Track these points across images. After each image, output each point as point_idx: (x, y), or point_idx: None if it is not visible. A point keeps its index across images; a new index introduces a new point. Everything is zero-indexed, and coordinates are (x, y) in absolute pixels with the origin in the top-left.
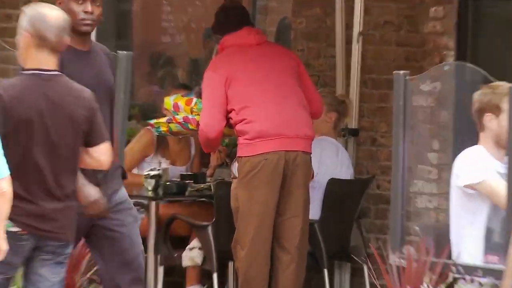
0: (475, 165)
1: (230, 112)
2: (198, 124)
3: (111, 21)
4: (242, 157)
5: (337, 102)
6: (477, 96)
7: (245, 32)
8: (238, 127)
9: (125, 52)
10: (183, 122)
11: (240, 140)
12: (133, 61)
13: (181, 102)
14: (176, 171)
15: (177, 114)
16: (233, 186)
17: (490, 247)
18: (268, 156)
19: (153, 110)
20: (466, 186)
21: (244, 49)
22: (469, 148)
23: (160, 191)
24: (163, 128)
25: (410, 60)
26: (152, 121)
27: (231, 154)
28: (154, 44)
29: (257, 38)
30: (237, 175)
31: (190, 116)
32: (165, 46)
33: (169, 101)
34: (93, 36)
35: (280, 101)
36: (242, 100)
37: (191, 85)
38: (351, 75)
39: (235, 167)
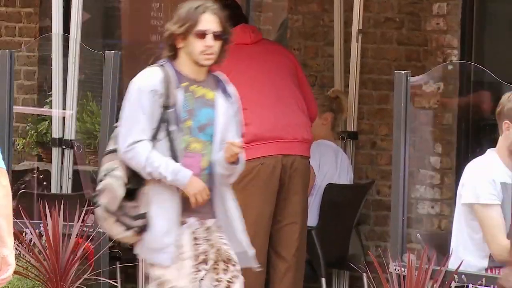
0: (479, 183)
1: None
2: None
3: (98, 19)
4: None
5: (329, 101)
6: (503, 98)
7: (239, 30)
8: None
9: (112, 51)
10: None
11: None
12: (121, 61)
13: None
14: None
15: None
16: None
17: (493, 260)
18: (265, 160)
19: None
20: (464, 204)
21: (239, 48)
22: (480, 157)
23: None
24: None
25: (412, 60)
26: None
27: None
28: (143, 43)
29: (253, 36)
30: None
31: None
32: (155, 45)
33: None
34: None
35: (277, 102)
36: None
37: None
38: (350, 75)
39: None
